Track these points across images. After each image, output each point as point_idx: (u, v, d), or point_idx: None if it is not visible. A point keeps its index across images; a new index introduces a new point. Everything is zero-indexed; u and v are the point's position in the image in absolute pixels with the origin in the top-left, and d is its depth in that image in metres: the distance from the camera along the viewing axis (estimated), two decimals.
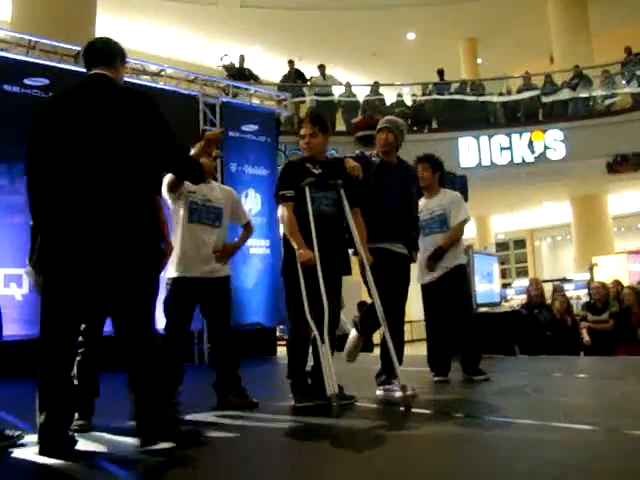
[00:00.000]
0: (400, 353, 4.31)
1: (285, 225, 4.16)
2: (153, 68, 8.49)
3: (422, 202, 5.32)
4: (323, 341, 3.83)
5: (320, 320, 3.84)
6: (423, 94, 15.08)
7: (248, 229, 4.56)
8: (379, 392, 4.46)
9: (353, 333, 4.53)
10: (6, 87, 6.51)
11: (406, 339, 4.73)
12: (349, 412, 3.90)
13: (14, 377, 5.42)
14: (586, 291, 10.81)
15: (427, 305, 5.33)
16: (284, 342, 10.24)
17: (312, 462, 2.81)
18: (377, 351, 4.66)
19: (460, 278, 5.31)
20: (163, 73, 8.36)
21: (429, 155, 5.44)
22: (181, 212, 4.21)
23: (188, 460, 2.87)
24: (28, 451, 2.96)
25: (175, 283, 4.16)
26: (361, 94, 14.57)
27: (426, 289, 5.32)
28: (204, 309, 4.27)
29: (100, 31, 10.23)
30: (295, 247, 4.01)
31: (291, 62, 14.51)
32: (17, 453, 2.97)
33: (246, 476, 2.57)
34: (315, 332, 3.85)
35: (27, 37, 7.55)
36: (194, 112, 8.03)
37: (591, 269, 13.22)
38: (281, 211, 4.15)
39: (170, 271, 4.16)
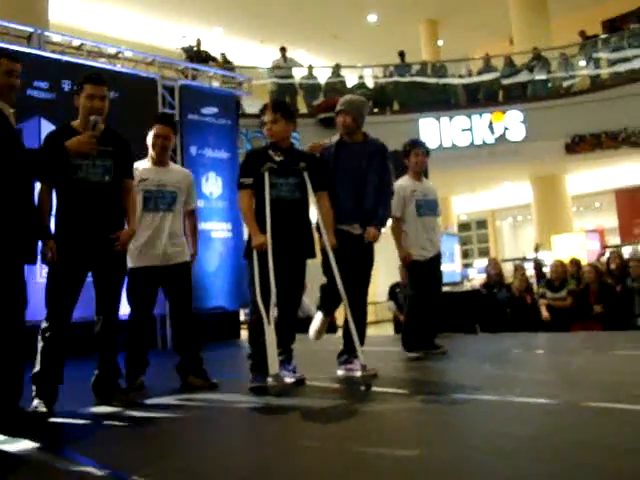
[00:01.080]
0: (362, 334, 4.38)
1: (241, 212, 4.25)
2: (111, 50, 8.34)
3: (414, 183, 5.55)
4: (269, 322, 3.92)
5: (267, 302, 3.94)
6: (384, 76, 15.09)
7: (192, 218, 4.58)
8: (340, 372, 4.51)
9: (318, 314, 4.55)
10: None
11: (370, 320, 4.79)
12: (309, 391, 3.98)
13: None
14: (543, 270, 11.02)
15: (418, 282, 5.43)
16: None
17: (272, 441, 2.84)
18: (340, 332, 4.70)
19: (440, 259, 5.63)
20: (121, 55, 8.22)
21: (421, 141, 5.91)
22: (139, 200, 4.20)
23: (150, 443, 2.89)
24: None
25: (134, 273, 4.19)
26: (322, 76, 14.53)
27: (420, 266, 5.41)
28: (166, 294, 4.34)
29: (54, 12, 10.03)
30: (250, 233, 4.11)
31: (283, 49, 14.34)
32: None
33: (210, 458, 2.59)
34: (262, 313, 3.93)
35: None
36: (152, 95, 7.93)
37: (536, 249, 13.54)
38: (239, 198, 4.24)
39: (130, 261, 4.13)
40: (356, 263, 4.45)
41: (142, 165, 4.34)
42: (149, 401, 3.85)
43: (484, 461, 2.33)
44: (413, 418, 3.17)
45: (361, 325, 4.38)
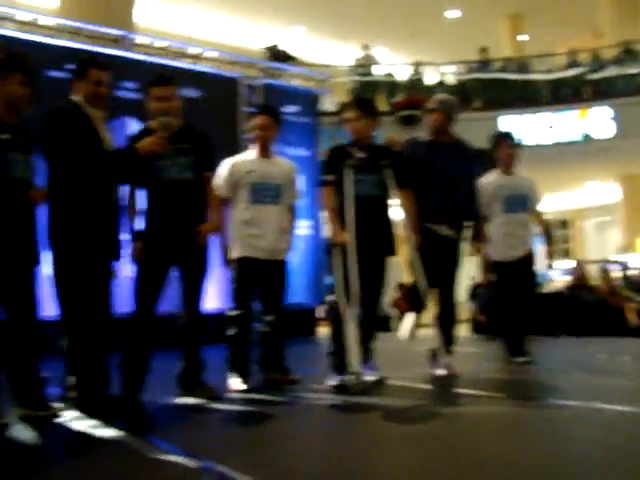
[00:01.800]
0: (449, 334, 4.37)
1: (323, 209, 4.26)
2: (194, 51, 8.55)
3: (500, 177, 5.29)
4: (350, 320, 3.91)
5: (349, 299, 3.93)
6: (465, 73, 14.84)
7: (291, 212, 4.44)
8: (428, 371, 4.47)
9: (409, 314, 4.53)
10: (52, 73, 6.62)
11: None
12: (390, 391, 3.97)
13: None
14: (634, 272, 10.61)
15: (504, 285, 5.26)
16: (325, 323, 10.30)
17: (352, 440, 2.84)
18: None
19: (533, 260, 5.32)
20: (204, 56, 8.41)
21: (510, 132, 5.60)
22: (241, 192, 4.17)
23: (233, 436, 2.94)
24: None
25: (238, 263, 4.15)
26: (403, 74, 14.43)
27: (506, 268, 5.22)
28: (261, 288, 4.29)
29: (140, 16, 10.35)
30: (331, 230, 4.12)
31: (366, 46, 14.33)
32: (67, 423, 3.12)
33: (292, 454, 2.62)
34: (344, 310, 3.94)
35: (72, 23, 7.70)
36: (235, 95, 8.06)
37: (626, 251, 12.97)
38: (321, 195, 4.24)
39: (234, 251, 4.15)
40: (442, 263, 4.42)
41: (247, 157, 4.31)
42: (231, 395, 3.90)
43: (573, 469, 2.26)
44: (496, 422, 3.11)
45: (448, 326, 4.35)
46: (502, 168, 5.33)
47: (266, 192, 4.19)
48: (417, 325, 4.47)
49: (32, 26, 7.64)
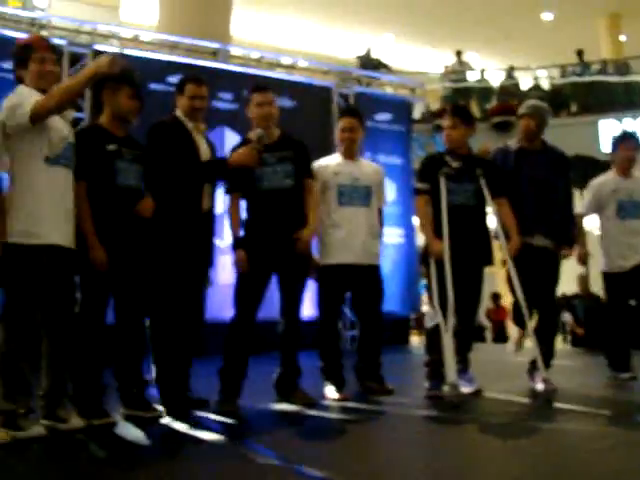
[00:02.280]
0: (549, 347, 4.25)
1: (418, 218, 4.23)
2: (288, 61, 8.68)
3: (616, 180, 4.95)
4: (447, 330, 3.86)
5: (445, 309, 3.88)
6: (561, 76, 14.40)
7: (379, 216, 4.37)
8: (527, 384, 4.34)
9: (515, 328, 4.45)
10: (152, 86, 6.87)
11: None
12: (486, 403, 3.91)
13: None
14: None
15: (615, 296, 4.94)
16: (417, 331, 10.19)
17: (447, 453, 2.80)
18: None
19: None
20: (297, 65, 8.53)
21: (633, 133, 5.36)
22: (329, 195, 4.16)
23: (330, 444, 2.96)
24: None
25: (326, 271, 4.11)
26: (495, 79, 14.15)
27: (618, 279, 4.87)
28: (355, 295, 4.26)
29: (236, 29, 10.61)
30: (426, 240, 4.10)
31: (459, 53, 14.21)
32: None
33: (388, 464, 2.60)
34: (440, 320, 3.89)
35: (170, 38, 7.98)
36: (328, 103, 8.14)
37: None
38: (416, 204, 4.22)
39: (323, 258, 4.15)
40: (540, 277, 4.28)
41: (333, 160, 4.30)
42: (326, 402, 3.91)
43: None
44: (599, 440, 2.97)
45: (548, 339, 4.22)
46: (618, 170, 4.99)
47: (354, 194, 4.17)
48: (524, 337, 4.35)
49: (134, 42, 7.97)
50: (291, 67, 8.49)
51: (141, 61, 6.99)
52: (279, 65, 8.46)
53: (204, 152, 3.74)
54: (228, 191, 3.87)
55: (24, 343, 2.96)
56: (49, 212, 3.00)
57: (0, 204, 2.97)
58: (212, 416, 3.50)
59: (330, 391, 4.00)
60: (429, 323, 4.11)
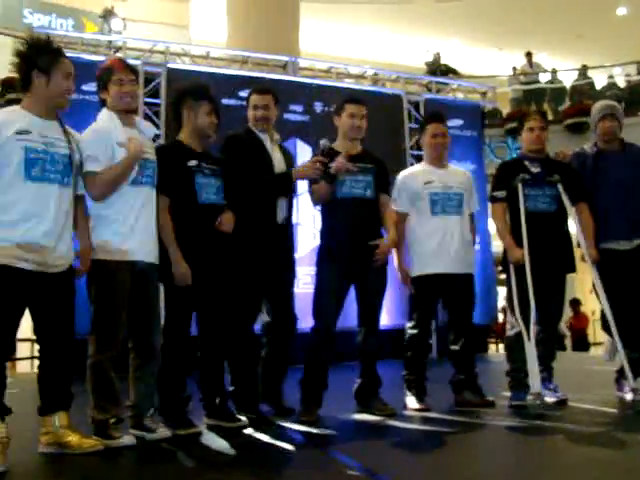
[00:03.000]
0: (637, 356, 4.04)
1: (495, 226, 4.14)
2: (356, 71, 8.71)
3: None
4: (529, 338, 3.79)
5: (527, 317, 3.82)
6: (638, 73, 13.91)
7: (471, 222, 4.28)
8: (614, 393, 4.20)
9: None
10: (224, 101, 7.00)
11: None
12: (571, 413, 3.81)
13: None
14: None
15: None
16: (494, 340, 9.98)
17: (535, 464, 2.71)
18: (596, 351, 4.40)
19: None
20: (366, 75, 8.55)
21: None
22: (422, 205, 4.08)
23: (416, 456, 2.92)
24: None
25: (419, 282, 4.05)
26: (567, 79, 13.79)
27: None
28: (446, 304, 4.17)
29: (305, 42, 10.73)
30: (505, 247, 4.03)
31: (529, 54, 13.94)
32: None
33: (477, 475, 2.56)
34: (522, 329, 3.82)
35: (240, 53, 8.14)
36: (398, 111, 8.12)
37: None
38: (493, 212, 4.14)
39: (414, 269, 4.08)
40: (625, 282, 4.09)
41: (422, 168, 4.24)
42: (408, 413, 3.88)
43: None
44: None
45: (635, 347, 4.04)
46: None
47: (447, 202, 4.07)
48: (614, 346, 4.19)
49: (205, 59, 8.16)
50: (360, 76, 8.51)
51: (213, 77, 7.13)
52: (348, 75, 8.49)
53: (278, 163, 3.79)
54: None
55: (113, 355, 3.06)
56: (134, 230, 3.10)
57: (86, 223, 3.09)
58: (295, 426, 3.52)
59: (411, 401, 3.95)
60: (510, 331, 4.03)
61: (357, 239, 3.76)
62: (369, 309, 3.86)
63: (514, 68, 13.95)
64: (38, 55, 2.91)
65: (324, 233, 3.88)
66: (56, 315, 2.89)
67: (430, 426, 3.56)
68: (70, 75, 2.96)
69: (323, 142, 3.79)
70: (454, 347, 4.11)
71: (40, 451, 2.89)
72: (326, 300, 3.76)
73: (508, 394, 4.00)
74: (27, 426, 3.08)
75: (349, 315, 3.95)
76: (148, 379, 3.21)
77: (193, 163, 3.41)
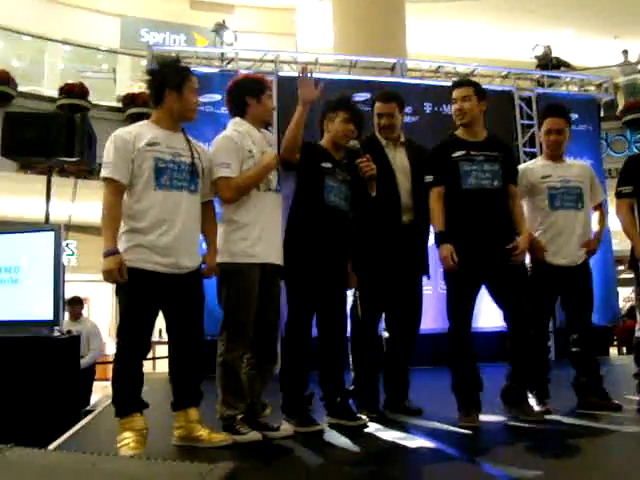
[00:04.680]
0: None
1: (621, 222, 3.97)
2: (464, 69, 8.60)
3: None
4: None
5: None
6: None
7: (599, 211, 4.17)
8: None
9: None
10: None
11: None
12: None
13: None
14: None
15: None
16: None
17: None
18: None
19: None
20: (476, 72, 8.42)
21: None
22: (539, 199, 4.00)
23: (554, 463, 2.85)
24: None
25: (536, 270, 3.97)
26: None
27: None
28: (566, 301, 4.05)
29: (412, 43, 10.69)
30: (633, 244, 3.89)
31: None
32: None
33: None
34: None
35: (348, 57, 8.22)
36: (510, 108, 7.96)
37: None
38: (618, 208, 3.97)
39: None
40: None
41: (537, 163, 4.16)
42: (552, 417, 3.73)
43: None
44: None
45: None
46: None
47: (566, 197, 3.97)
48: None
49: (314, 65, 8.30)
50: (469, 74, 8.38)
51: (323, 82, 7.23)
52: (457, 74, 8.39)
53: (400, 167, 3.84)
54: (431, 185, 3.69)
55: (243, 354, 3.20)
56: (263, 233, 3.24)
57: (214, 228, 3.28)
58: (424, 425, 3.54)
59: (532, 403, 3.86)
60: (639, 332, 3.86)
61: (486, 234, 3.59)
62: (515, 309, 3.62)
63: (625, 52, 13.26)
64: (170, 73, 3.12)
65: (449, 229, 3.65)
66: (187, 315, 3.06)
67: (558, 430, 3.45)
68: (197, 90, 3.14)
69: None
70: (575, 349, 3.99)
71: (173, 444, 3.07)
72: (458, 300, 3.64)
73: (636, 398, 3.85)
74: (158, 421, 3.26)
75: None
76: (266, 378, 3.33)
77: (327, 165, 3.53)
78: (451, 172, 3.63)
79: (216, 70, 7.61)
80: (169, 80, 3.09)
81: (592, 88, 8.86)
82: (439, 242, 3.59)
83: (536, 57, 11.22)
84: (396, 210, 3.75)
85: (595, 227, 4.13)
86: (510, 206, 3.73)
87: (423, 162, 3.79)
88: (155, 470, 1.13)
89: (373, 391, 3.76)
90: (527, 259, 3.93)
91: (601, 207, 4.19)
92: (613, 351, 11.53)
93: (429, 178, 3.67)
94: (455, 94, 3.72)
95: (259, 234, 3.22)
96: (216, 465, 1.13)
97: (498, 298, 3.68)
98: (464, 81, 3.91)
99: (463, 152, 3.63)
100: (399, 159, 3.86)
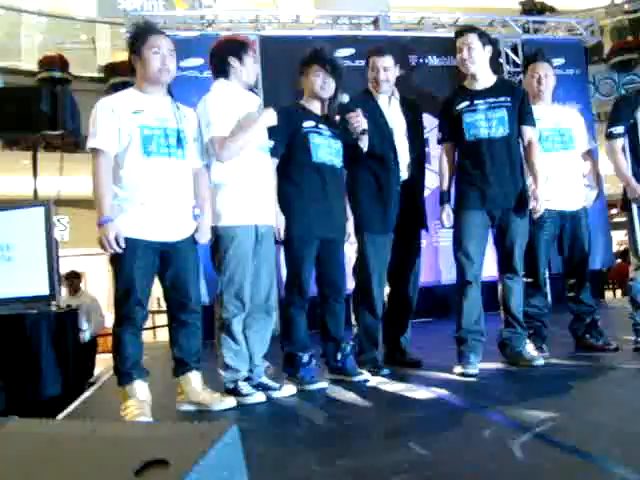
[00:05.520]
0: None
1: (613, 164, 3.93)
2: (448, 19, 8.48)
3: None
4: None
5: None
6: None
7: (590, 159, 4.23)
8: None
9: None
10: None
11: None
12: None
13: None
14: None
15: None
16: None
17: None
18: None
19: None
20: (459, 22, 8.30)
21: None
22: None
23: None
24: None
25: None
26: None
27: None
28: (560, 246, 4.09)
29: None
30: (625, 185, 3.85)
31: None
32: None
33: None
34: None
35: (329, 12, 8.14)
36: (496, 56, 7.86)
37: None
38: (609, 149, 3.93)
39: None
40: None
41: None
42: (551, 360, 3.74)
43: None
44: None
45: None
46: None
47: (557, 138, 3.99)
48: None
49: (295, 23, 8.19)
50: (453, 25, 8.28)
51: (305, 41, 7.14)
52: (441, 25, 8.29)
53: (397, 122, 3.81)
54: (440, 141, 3.76)
55: (240, 315, 3.21)
56: (254, 195, 3.22)
57: (207, 194, 3.21)
58: (425, 376, 3.58)
59: (530, 348, 3.88)
60: (633, 273, 3.88)
61: (492, 185, 3.56)
62: (508, 256, 3.67)
63: None
64: (131, 38, 3.10)
65: (458, 178, 3.68)
66: (183, 280, 3.06)
67: (558, 373, 3.48)
68: (166, 50, 3.03)
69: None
70: (571, 293, 4.03)
71: (178, 409, 3.09)
72: (468, 248, 3.59)
73: (632, 338, 3.86)
74: (161, 389, 3.29)
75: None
76: (265, 339, 3.34)
77: (310, 124, 3.50)
78: (456, 125, 3.63)
79: (197, 34, 7.49)
80: (132, 45, 3.07)
81: (579, 31, 8.75)
82: (440, 202, 3.69)
83: (520, 3, 11.10)
84: (395, 165, 3.75)
85: (590, 176, 4.15)
86: (525, 148, 3.71)
87: (417, 116, 3.88)
88: (155, 432, 1.14)
89: (374, 346, 3.79)
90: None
91: (591, 154, 4.21)
92: (608, 294, 11.66)
93: (438, 135, 3.75)
94: (458, 43, 3.67)
95: (251, 195, 3.21)
96: (216, 423, 1.13)
97: (499, 244, 3.71)
98: (466, 28, 3.82)
99: (467, 103, 3.62)
100: (394, 114, 3.82)
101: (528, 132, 3.68)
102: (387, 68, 3.79)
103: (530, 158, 3.69)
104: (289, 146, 3.48)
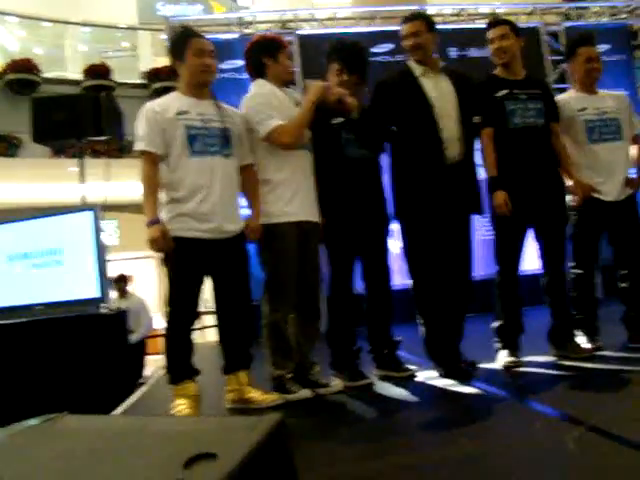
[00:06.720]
0: None
1: None
2: (488, 9, 8.37)
3: None
4: None
5: None
6: None
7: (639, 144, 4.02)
8: None
9: None
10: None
11: None
12: None
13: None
14: None
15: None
16: None
17: None
18: None
19: None
20: (499, 11, 8.19)
21: None
22: (576, 132, 3.85)
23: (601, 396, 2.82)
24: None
25: (582, 206, 3.80)
26: None
27: None
28: (613, 237, 3.92)
29: None
30: None
31: None
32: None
33: None
34: None
35: (367, 8, 8.10)
36: (537, 45, 7.73)
37: None
38: None
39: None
40: None
41: (572, 95, 3.96)
42: (603, 353, 3.67)
43: None
44: None
45: None
46: None
47: (604, 129, 3.82)
48: None
49: (333, 20, 8.19)
50: (492, 14, 8.15)
51: (343, 37, 7.11)
52: (480, 15, 8.18)
53: (443, 94, 3.42)
54: (480, 126, 3.54)
55: (286, 312, 3.22)
56: (297, 192, 3.24)
57: (256, 191, 3.25)
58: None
59: (582, 341, 3.80)
60: None
61: (535, 173, 3.53)
62: (552, 250, 3.63)
63: None
64: (174, 44, 3.18)
65: (500, 172, 3.55)
66: (233, 279, 3.10)
67: (610, 365, 3.41)
68: (208, 52, 3.10)
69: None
70: (624, 284, 3.89)
71: (227, 407, 3.12)
72: (505, 244, 3.58)
73: None
74: (211, 387, 3.30)
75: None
76: (312, 337, 3.35)
77: (338, 121, 3.45)
78: (496, 111, 3.54)
79: (236, 35, 7.55)
80: (174, 51, 3.16)
81: (623, 15, 8.52)
82: (492, 188, 3.51)
83: None
84: (437, 145, 3.37)
85: (636, 161, 3.99)
86: (554, 144, 3.68)
87: (470, 90, 3.53)
88: (204, 426, 1.15)
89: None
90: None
91: (638, 139, 4.03)
92: None
93: (477, 118, 3.52)
94: (492, 34, 3.63)
95: (293, 192, 3.22)
96: (264, 417, 1.14)
97: (540, 239, 3.65)
98: (499, 20, 3.79)
99: (507, 91, 3.56)
100: (440, 86, 3.46)
101: (555, 127, 3.69)
102: (416, 33, 3.41)
103: (559, 149, 3.68)
104: (319, 142, 3.44)
